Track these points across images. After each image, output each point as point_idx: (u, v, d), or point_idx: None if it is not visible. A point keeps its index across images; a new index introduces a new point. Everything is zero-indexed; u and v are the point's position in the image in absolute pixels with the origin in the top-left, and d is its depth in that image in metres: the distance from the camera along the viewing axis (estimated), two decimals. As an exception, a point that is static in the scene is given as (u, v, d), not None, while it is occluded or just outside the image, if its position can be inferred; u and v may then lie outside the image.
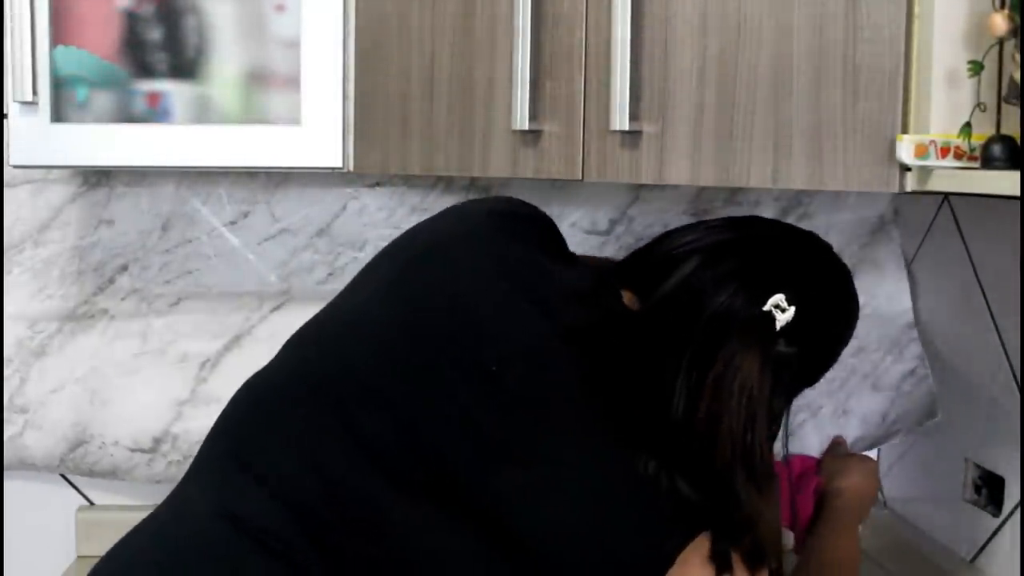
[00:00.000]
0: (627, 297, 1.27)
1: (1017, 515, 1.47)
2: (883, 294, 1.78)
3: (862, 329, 1.72)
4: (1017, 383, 1.47)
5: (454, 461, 1.15)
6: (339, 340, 1.24)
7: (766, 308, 1.21)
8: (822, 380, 1.66)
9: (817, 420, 1.74)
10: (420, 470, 1.14)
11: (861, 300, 1.74)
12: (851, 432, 1.74)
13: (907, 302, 1.76)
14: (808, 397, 1.71)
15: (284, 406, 1.22)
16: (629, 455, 1.15)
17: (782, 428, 1.35)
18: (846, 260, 1.75)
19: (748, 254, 1.27)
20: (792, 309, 1.21)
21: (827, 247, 1.37)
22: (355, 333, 1.24)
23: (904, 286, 1.76)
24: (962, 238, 1.60)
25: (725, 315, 1.20)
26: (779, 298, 1.21)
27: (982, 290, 1.55)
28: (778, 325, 1.20)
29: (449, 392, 1.17)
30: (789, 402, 1.31)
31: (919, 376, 1.73)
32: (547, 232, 1.34)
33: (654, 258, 1.30)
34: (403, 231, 1.72)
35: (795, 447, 1.70)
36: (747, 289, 1.21)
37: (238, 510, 1.16)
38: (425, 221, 1.35)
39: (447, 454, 1.15)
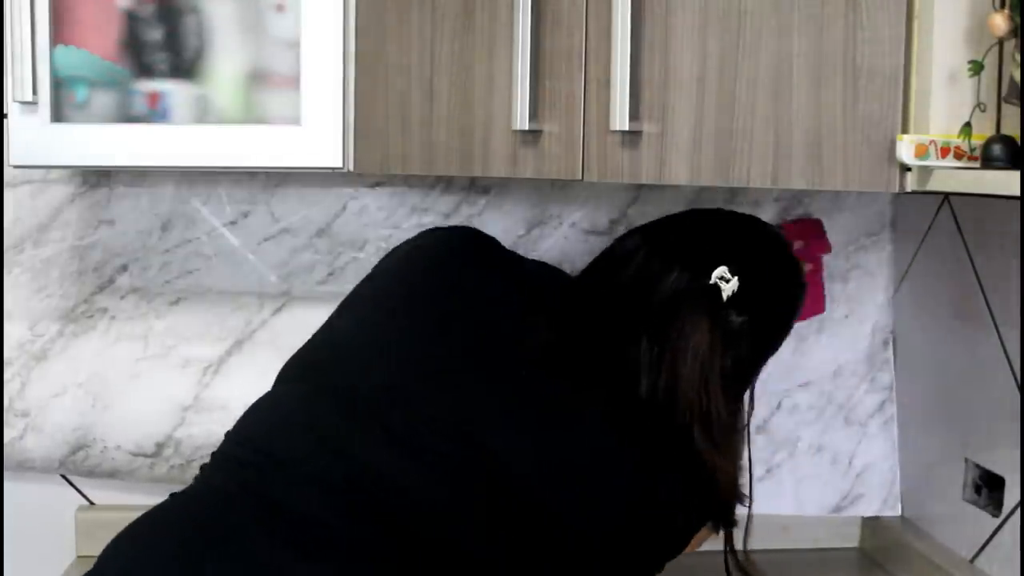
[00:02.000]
0: (599, 293, 1.36)
1: (1017, 515, 1.47)
2: (872, 301, 1.78)
3: (842, 343, 1.76)
4: (1017, 383, 1.47)
5: (480, 442, 1.23)
6: (352, 358, 1.32)
7: (711, 281, 1.29)
8: (803, 408, 1.77)
9: (794, 460, 1.78)
10: (457, 455, 1.22)
11: (847, 308, 1.78)
12: (821, 481, 1.79)
13: (889, 316, 1.78)
14: (787, 429, 1.78)
15: (308, 414, 1.28)
16: (624, 443, 1.26)
17: (748, 403, 1.44)
18: (841, 264, 1.77)
19: (689, 237, 1.36)
20: (735, 279, 1.29)
21: (764, 223, 1.46)
22: (368, 348, 1.32)
23: (888, 300, 1.78)
24: (962, 238, 1.60)
25: (674, 293, 1.29)
26: (722, 270, 1.29)
27: (982, 290, 1.55)
28: (724, 295, 1.29)
29: (473, 389, 1.26)
30: (755, 372, 1.40)
31: (886, 416, 1.79)
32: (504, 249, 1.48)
33: (609, 260, 1.39)
34: (402, 231, 1.73)
35: (771, 489, 1.77)
36: (691, 267, 1.30)
37: (264, 490, 1.20)
38: (394, 258, 1.46)
39: (482, 442, 1.23)
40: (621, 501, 1.25)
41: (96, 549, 1.26)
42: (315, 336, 1.39)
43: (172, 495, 1.27)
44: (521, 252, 1.75)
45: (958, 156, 1.16)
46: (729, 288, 1.29)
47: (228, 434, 1.31)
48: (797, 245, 1.71)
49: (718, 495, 1.28)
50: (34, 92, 1.43)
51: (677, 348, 1.26)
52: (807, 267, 1.68)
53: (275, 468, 1.22)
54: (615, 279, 1.34)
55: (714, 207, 1.55)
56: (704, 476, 1.26)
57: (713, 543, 1.38)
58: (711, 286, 1.29)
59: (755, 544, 1.40)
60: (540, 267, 1.50)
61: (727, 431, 1.29)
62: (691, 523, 1.29)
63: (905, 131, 1.20)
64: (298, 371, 1.35)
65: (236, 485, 1.23)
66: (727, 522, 1.31)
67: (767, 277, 1.36)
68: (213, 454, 1.31)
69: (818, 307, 1.74)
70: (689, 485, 1.27)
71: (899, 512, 1.78)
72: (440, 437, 1.22)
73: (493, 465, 1.22)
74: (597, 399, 1.27)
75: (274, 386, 1.36)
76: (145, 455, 1.72)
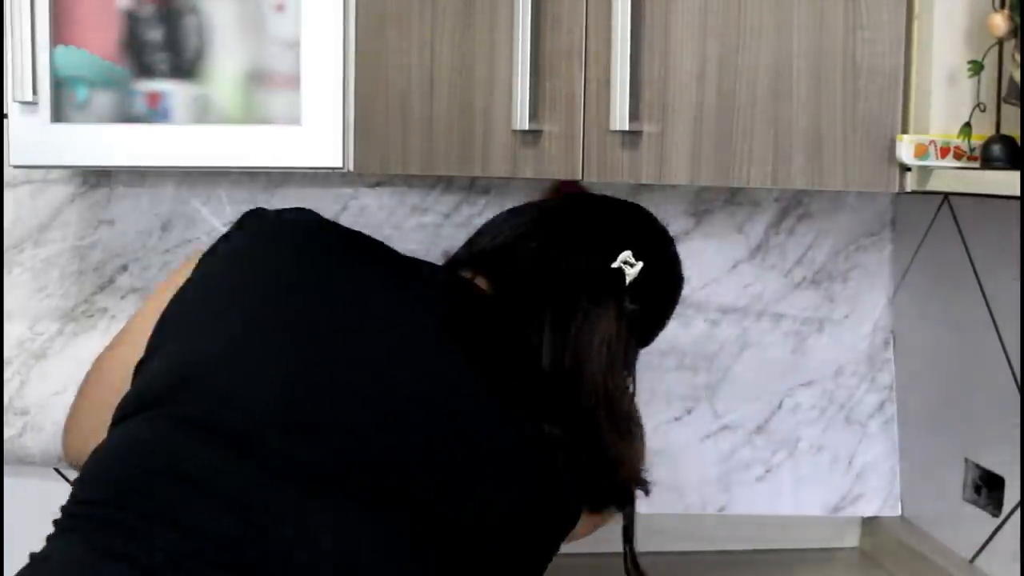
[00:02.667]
0: (481, 283, 1.30)
1: (1017, 515, 1.47)
2: (872, 301, 1.78)
3: (843, 343, 1.76)
4: (1017, 383, 1.47)
5: (381, 457, 1.13)
6: (217, 384, 1.15)
7: (616, 264, 1.27)
8: (805, 407, 1.77)
9: (794, 459, 1.78)
10: (364, 478, 1.12)
11: (847, 308, 1.78)
12: (821, 481, 1.79)
13: (889, 316, 1.78)
14: (787, 429, 1.77)
15: (174, 456, 1.12)
16: (526, 424, 1.19)
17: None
18: (841, 264, 1.77)
19: (588, 221, 1.34)
20: (639, 264, 1.27)
21: (650, 213, 1.44)
22: (234, 368, 1.16)
23: (888, 300, 1.78)
24: (962, 238, 1.60)
25: (579, 275, 1.26)
26: (627, 254, 1.27)
27: (982, 290, 1.55)
28: (628, 279, 1.27)
29: (360, 398, 1.15)
30: (635, 360, 1.36)
31: (886, 416, 1.79)
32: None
33: (496, 242, 1.36)
34: (403, 231, 1.71)
35: (771, 488, 1.77)
36: (596, 250, 1.28)
37: (134, 552, 1.07)
38: (238, 237, 1.28)
39: (380, 459, 1.13)
40: (524, 492, 1.18)
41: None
42: (156, 352, 1.19)
43: (31, 555, 1.15)
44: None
45: (958, 156, 1.16)
46: (633, 273, 1.27)
47: (76, 484, 1.15)
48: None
49: (619, 479, 1.25)
50: (34, 92, 1.43)
51: (581, 331, 1.23)
52: None
53: (145, 524, 1.07)
54: (508, 263, 1.30)
55: (600, 195, 1.49)
56: (607, 459, 1.22)
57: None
58: (615, 270, 1.26)
59: (756, 543, 1.40)
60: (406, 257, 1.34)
61: (629, 416, 1.26)
62: (592, 506, 1.25)
63: (905, 131, 1.20)
64: (147, 402, 1.15)
65: (93, 548, 1.09)
66: (626, 504, 1.27)
67: (659, 267, 1.35)
68: (62, 507, 1.15)
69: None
70: (590, 468, 1.22)
71: (899, 512, 1.78)
72: (327, 450, 1.11)
73: (392, 476, 1.12)
74: (494, 386, 1.19)
75: (118, 424, 1.16)
76: (145, 455, 1.72)
